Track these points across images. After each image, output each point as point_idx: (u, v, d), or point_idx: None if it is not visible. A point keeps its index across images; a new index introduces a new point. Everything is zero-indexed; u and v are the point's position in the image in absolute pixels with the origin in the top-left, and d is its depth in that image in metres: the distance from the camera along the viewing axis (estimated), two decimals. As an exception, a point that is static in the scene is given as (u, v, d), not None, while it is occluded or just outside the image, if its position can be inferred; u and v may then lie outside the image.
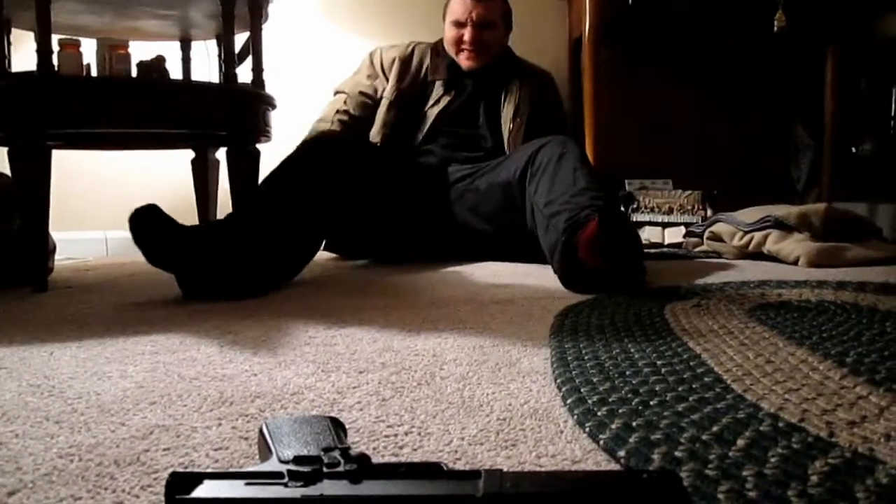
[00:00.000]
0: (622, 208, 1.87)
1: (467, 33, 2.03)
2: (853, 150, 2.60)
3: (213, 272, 1.28)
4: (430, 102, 2.08)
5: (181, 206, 2.32)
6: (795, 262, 1.71)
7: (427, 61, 2.12)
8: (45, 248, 1.47)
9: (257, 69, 1.65)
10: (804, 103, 2.71)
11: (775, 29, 2.34)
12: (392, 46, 2.17)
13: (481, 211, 1.85)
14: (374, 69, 2.14)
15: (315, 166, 1.55)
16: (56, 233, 1.62)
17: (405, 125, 2.06)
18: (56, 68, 1.43)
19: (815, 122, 2.64)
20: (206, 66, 2.02)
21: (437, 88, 2.09)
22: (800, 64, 2.70)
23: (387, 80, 2.12)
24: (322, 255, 2.10)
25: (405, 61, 2.12)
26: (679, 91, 2.76)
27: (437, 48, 2.14)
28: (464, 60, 2.06)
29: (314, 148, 1.62)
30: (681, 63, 2.73)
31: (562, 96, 2.28)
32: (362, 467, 0.39)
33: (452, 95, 2.07)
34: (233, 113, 1.59)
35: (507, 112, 2.06)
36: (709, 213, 2.39)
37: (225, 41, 1.63)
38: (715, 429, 0.54)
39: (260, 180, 1.60)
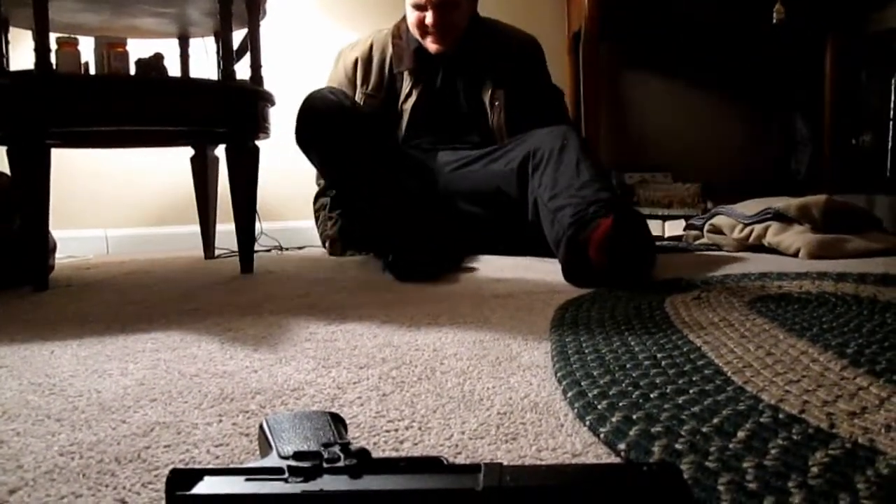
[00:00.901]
0: None
1: (429, 16, 1.82)
2: (853, 141, 2.60)
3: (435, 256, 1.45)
4: (402, 97, 1.91)
5: (181, 203, 2.34)
6: (796, 254, 1.71)
7: (389, 51, 1.93)
8: (46, 246, 1.47)
9: (255, 66, 1.65)
10: (804, 95, 2.71)
11: (774, 21, 2.34)
12: (353, 45, 2.00)
13: (472, 197, 1.80)
14: (340, 78, 1.98)
15: (330, 137, 1.61)
16: (56, 231, 1.62)
17: (386, 127, 1.91)
18: (54, 67, 1.43)
19: (814, 114, 2.64)
20: (204, 63, 2.01)
21: (406, 80, 1.91)
22: (799, 56, 2.70)
23: (353, 86, 1.95)
24: (320, 251, 2.11)
25: (366, 60, 1.94)
26: (678, 84, 2.76)
27: (398, 32, 1.94)
28: (430, 45, 1.87)
29: (319, 122, 1.65)
30: (680, 56, 2.73)
31: (546, 55, 2.04)
32: (362, 462, 0.39)
33: (423, 85, 1.90)
34: (232, 110, 1.58)
35: (485, 95, 1.90)
36: (709, 205, 2.39)
37: (223, 38, 1.62)
38: (715, 421, 0.54)
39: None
